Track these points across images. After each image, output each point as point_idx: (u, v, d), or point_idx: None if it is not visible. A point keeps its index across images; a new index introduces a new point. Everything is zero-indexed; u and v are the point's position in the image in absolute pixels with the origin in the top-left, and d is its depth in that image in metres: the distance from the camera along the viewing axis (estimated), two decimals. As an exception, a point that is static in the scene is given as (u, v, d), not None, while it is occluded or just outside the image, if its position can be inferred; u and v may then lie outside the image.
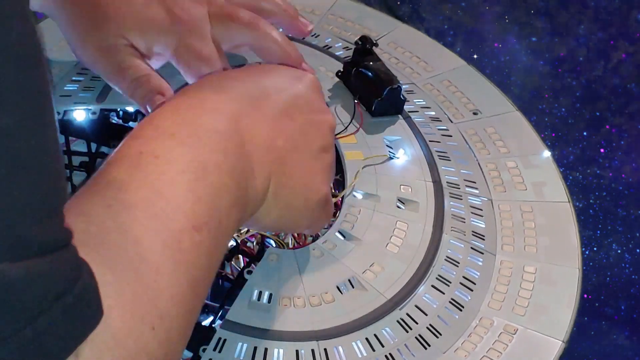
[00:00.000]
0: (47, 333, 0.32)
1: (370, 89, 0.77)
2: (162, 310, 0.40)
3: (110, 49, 0.62)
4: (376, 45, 0.81)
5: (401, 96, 0.78)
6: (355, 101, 0.78)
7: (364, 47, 0.80)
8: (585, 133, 1.31)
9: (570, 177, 1.28)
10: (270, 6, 0.66)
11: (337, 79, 0.82)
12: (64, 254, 0.33)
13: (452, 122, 0.80)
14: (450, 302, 0.62)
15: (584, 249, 0.68)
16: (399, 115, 0.79)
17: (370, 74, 0.78)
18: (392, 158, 0.74)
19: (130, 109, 0.72)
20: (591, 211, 1.23)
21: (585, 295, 1.13)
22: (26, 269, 0.30)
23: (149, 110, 0.61)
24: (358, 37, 0.81)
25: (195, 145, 0.47)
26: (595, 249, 1.22)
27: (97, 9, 0.62)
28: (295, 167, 0.54)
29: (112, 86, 0.63)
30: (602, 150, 1.31)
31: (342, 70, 0.82)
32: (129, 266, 0.39)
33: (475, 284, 0.64)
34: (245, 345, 0.56)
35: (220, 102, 0.52)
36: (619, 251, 1.23)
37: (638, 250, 1.22)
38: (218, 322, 0.60)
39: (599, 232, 1.23)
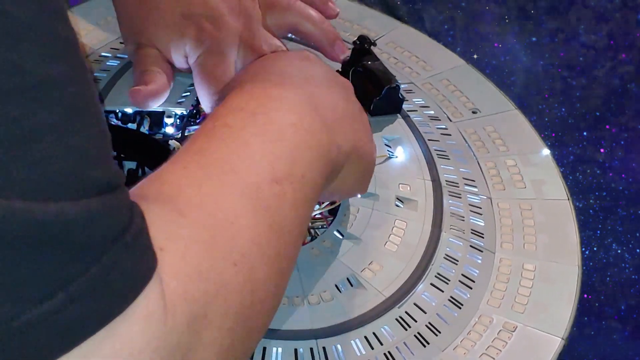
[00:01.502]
0: (114, 271, 0.32)
1: (369, 89, 0.77)
2: (243, 249, 0.41)
3: (142, 48, 0.67)
4: (374, 44, 0.81)
5: (399, 95, 0.78)
6: None
7: (362, 47, 0.80)
8: (585, 133, 1.31)
9: (570, 177, 1.28)
10: None
11: None
12: (118, 195, 0.34)
13: (451, 121, 0.80)
14: (449, 300, 0.62)
15: (583, 249, 0.67)
16: (398, 115, 0.79)
17: (368, 73, 0.78)
18: (390, 157, 0.74)
19: (129, 110, 0.72)
20: (591, 211, 1.23)
21: (585, 295, 1.13)
22: (86, 208, 0.31)
23: (131, 100, 0.66)
24: (356, 37, 0.81)
25: (267, 112, 0.49)
26: (595, 249, 1.21)
27: (135, 17, 0.67)
28: (357, 126, 0.57)
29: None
30: (602, 150, 1.30)
31: (340, 70, 0.82)
32: (205, 211, 0.40)
33: (474, 281, 0.64)
34: (243, 344, 0.56)
35: (278, 78, 0.54)
36: (619, 251, 1.22)
37: (638, 250, 1.22)
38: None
39: (599, 232, 1.22)
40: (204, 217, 0.40)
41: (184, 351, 0.36)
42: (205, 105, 0.67)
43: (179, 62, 0.67)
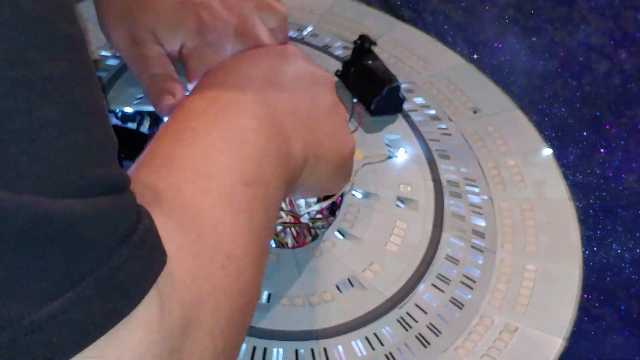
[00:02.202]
0: (122, 271, 0.31)
1: (369, 88, 0.77)
2: (228, 251, 0.41)
3: (138, 41, 0.64)
4: (375, 44, 0.80)
5: (400, 95, 0.77)
6: (354, 100, 0.78)
7: (363, 46, 0.80)
8: (585, 133, 1.31)
9: (570, 177, 1.28)
10: None
11: (336, 79, 0.81)
12: (125, 195, 0.34)
13: (451, 120, 0.80)
14: (450, 300, 0.62)
15: (584, 249, 0.67)
16: (399, 114, 0.78)
17: (369, 73, 0.78)
18: (391, 157, 0.74)
19: (129, 110, 0.72)
20: (591, 211, 1.23)
21: (585, 295, 1.13)
22: (94, 206, 0.30)
23: (159, 109, 0.63)
24: (357, 37, 0.81)
25: (229, 116, 0.49)
26: (595, 249, 1.21)
27: (129, 4, 0.64)
28: (321, 126, 0.56)
29: (135, 76, 0.65)
30: (602, 150, 1.30)
31: (341, 70, 0.82)
32: (188, 215, 0.41)
33: (475, 282, 0.63)
34: (244, 345, 0.56)
35: (239, 82, 0.54)
36: (619, 251, 1.22)
37: (638, 250, 1.22)
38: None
39: (599, 232, 1.22)
40: (188, 219, 0.40)
41: (179, 355, 0.36)
42: None
43: (172, 51, 0.66)
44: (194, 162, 0.45)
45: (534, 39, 1.38)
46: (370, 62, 0.79)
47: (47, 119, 0.30)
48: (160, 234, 0.36)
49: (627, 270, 1.21)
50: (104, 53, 0.79)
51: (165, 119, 0.64)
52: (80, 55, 0.33)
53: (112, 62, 0.78)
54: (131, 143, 0.69)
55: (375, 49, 0.80)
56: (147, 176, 0.43)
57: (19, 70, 0.29)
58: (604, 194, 1.26)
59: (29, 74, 0.29)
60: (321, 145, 0.55)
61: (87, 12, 0.85)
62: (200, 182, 0.43)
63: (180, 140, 0.47)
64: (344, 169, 0.60)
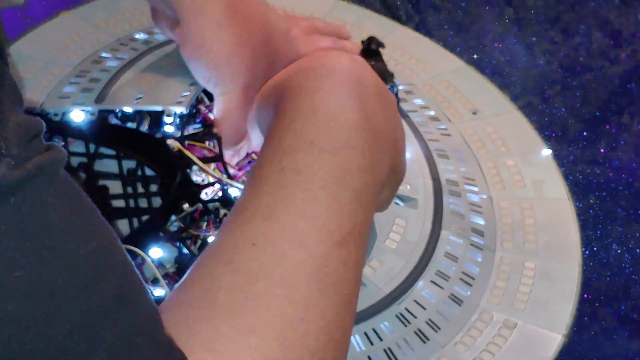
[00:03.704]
0: None
1: None
2: (314, 346, 0.41)
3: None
4: (383, 46, 0.81)
5: (395, 97, 0.77)
6: None
7: (369, 48, 0.80)
8: (585, 133, 1.31)
9: (570, 177, 1.28)
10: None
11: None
12: None
13: (451, 121, 0.80)
14: (449, 297, 0.62)
15: (583, 249, 0.68)
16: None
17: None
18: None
19: (129, 110, 0.72)
20: (591, 211, 1.23)
21: (585, 295, 1.13)
22: None
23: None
24: (366, 38, 0.81)
25: (333, 149, 0.47)
26: (595, 249, 1.21)
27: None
28: (399, 147, 0.55)
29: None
30: (602, 150, 1.31)
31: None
32: (274, 316, 0.40)
33: (474, 279, 0.64)
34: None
35: (339, 86, 0.51)
36: (619, 251, 1.22)
37: (638, 250, 1.22)
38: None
39: (599, 232, 1.22)
40: (275, 324, 0.40)
41: None
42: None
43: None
44: (291, 224, 0.44)
45: (534, 39, 1.39)
46: (372, 63, 0.79)
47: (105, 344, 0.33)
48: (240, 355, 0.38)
49: (627, 270, 1.21)
50: (104, 54, 0.80)
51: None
52: (106, 227, 0.36)
53: (112, 63, 0.78)
54: (131, 143, 0.69)
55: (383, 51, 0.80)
56: (243, 250, 0.43)
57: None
58: (604, 194, 1.26)
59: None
60: (401, 157, 0.55)
61: (89, 14, 0.86)
62: (294, 253, 0.43)
63: (282, 188, 0.46)
64: (399, 184, 0.59)
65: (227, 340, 0.38)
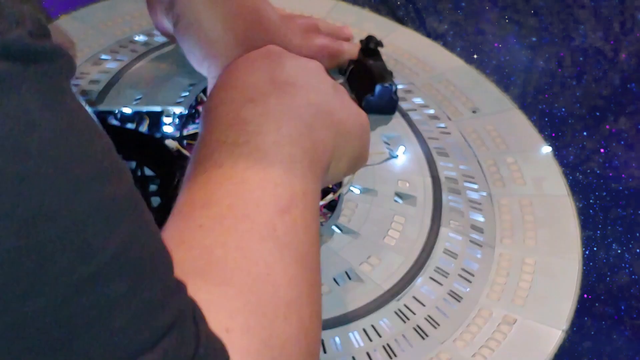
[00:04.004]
0: None
1: (364, 86, 0.78)
2: (286, 298, 0.42)
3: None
4: (381, 45, 0.81)
5: (393, 96, 0.77)
6: (352, 98, 0.78)
7: (367, 46, 0.81)
8: (585, 133, 1.31)
9: (570, 177, 1.28)
10: None
11: (341, 80, 0.82)
12: (185, 323, 0.36)
13: (450, 120, 0.80)
14: (448, 293, 0.62)
15: (583, 249, 0.67)
16: (397, 113, 0.79)
17: (365, 71, 0.78)
18: (390, 155, 0.74)
19: (128, 110, 0.72)
20: (591, 211, 1.22)
21: (585, 295, 1.13)
22: (163, 353, 0.33)
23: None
24: (365, 37, 0.81)
25: (247, 139, 0.49)
26: (595, 249, 1.21)
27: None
28: (335, 106, 0.56)
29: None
30: (602, 150, 1.30)
31: (345, 68, 0.82)
32: (242, 272, 0.42)
33: (474, 275, 0.64)
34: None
35: (251, 94, 0.53)
36: (619, 251, 1.22)
37: (638, 250, 1.22)
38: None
39: (599, 232, 1.22)
40: (244, 278, 0.42)
41: None
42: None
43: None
44: (229, 205, 0.45)
45: (534, 39, 1.38)
46: (371, 62, 0.79)
47: (115, 296, 0.32)
48: (226, 306, 0.39)
49: (627, 270, 1.21)
50: (104, 56, 0.80)
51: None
52: (139, 211, 0.36)
53: (112, 64, 0.78)
54: (130, 143, 0.69)
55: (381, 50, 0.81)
56: (193, 232, 0.44)
57: (89, 265, 0.31)
58: (604, 194, 1.25)
59: (98, 264, 0.31)
60: (342, 123, 0.55)
61: (89, 17, 0.86)
62: (241, 226, 0.44)
63: (210, 182, 0.47)
64: (365, 144, 0.60)
65: (205, 291, 0.39)
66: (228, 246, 0.43)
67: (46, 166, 0.29)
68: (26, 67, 0.29)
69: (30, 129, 0.29)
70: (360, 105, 0.77)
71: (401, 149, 0.74)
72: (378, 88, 0.76)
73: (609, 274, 1.18)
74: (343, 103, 0.57)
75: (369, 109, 0.77)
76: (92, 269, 0.31)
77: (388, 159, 0.73)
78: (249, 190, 0.46)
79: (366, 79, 0.78)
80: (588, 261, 1.17)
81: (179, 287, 0.37)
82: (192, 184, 0.48)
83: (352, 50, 0.80)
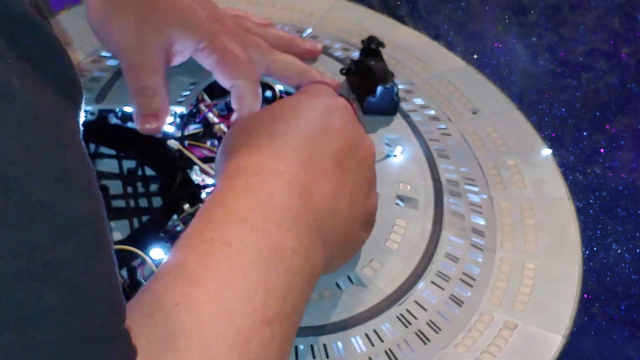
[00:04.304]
0: None
1: (365, 87, 0.77)
2: None
3: (144, 41, 0.65)
4: (383, 46, 0.81)
5: (394, 97, 0.77)
6: (352, 99, 0.78)
7: (369, 47, 0.80)
8: (585, 133, 1.31)
9: (570, 177, 1.28)
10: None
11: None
12: None
13: (451, 121, 0.80)
14: (450, 298, 0.62)
15: (583, 249, 0.67)
16: (398, 115, 0.79)
17: (366, 71, 0.78)
18: (390, 156, 0.74)
19: (129, 109, 0.72)
20: (591, 211, 1.23)
21: (585, 295, 1.13)
22: None
23: (140, 129, 0.65)
24: (366, 37, 0.81)
25: (269, 230, 0.46)
26: (595, 249, 1.21)
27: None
28: (355, 227, 0.56)
29: (125, 79, 0.66)
30: (602, 150, 1.31)
31: (346, 68, 0.82)
32: None
33: (475, 280, 0.64)
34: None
35: (283, 164, 0.50)
36: (619, 251, 1.22)
37: (638, 250, 1.22)
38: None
39: (599, 232, 1.22)
40: None
41: None
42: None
43: (182, 50, 0.68)
44: (217, 294, 0.42)
45: (534, 39, 1.38)
46: (372, 63, 0.79)
47: (46, 306, 0.30)
48: None
49: (627, 270, 1.21)
50: (104, 54, 0.79)
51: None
52: (92, 232, 0.33)
53: (112, 62, 0.78)
54: (131, 143, 0.69)
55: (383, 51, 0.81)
56: (167, 308, 0.41)
57: (23, 261, 0.29)
58: (604, 194, 1.26)
59: (32, 263, 0.29)
60: (345, 250, 0.55)
61: (80, 19, 0.86)
62: (218, 322, 0.41)
63: (211, 256, 0.44)
64: (365, 235, 0.59)
65: None
66: (193, 341, 0.40)
67: (15, 140, 0.29)
68: (18, 44, 0.30)
69: (9, 100, 0.29)
70: (361, 106, 0.77)
71: (398, 148, 0.74)
72: (379, 89, 0.76)
73: (609, 274, 1.18)
74: (361, 225, 0.57)
75: (370, 110, 0.77)
76: (22, 264, 0.29)
77: (385, 157, 0.73)
78: (244, 286, 0.43)
79: (367, 80, 0.77)
80: (588, 261, 1.17)
81: (121, 333, 0.35)
82: (190, 246, 0.46)
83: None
